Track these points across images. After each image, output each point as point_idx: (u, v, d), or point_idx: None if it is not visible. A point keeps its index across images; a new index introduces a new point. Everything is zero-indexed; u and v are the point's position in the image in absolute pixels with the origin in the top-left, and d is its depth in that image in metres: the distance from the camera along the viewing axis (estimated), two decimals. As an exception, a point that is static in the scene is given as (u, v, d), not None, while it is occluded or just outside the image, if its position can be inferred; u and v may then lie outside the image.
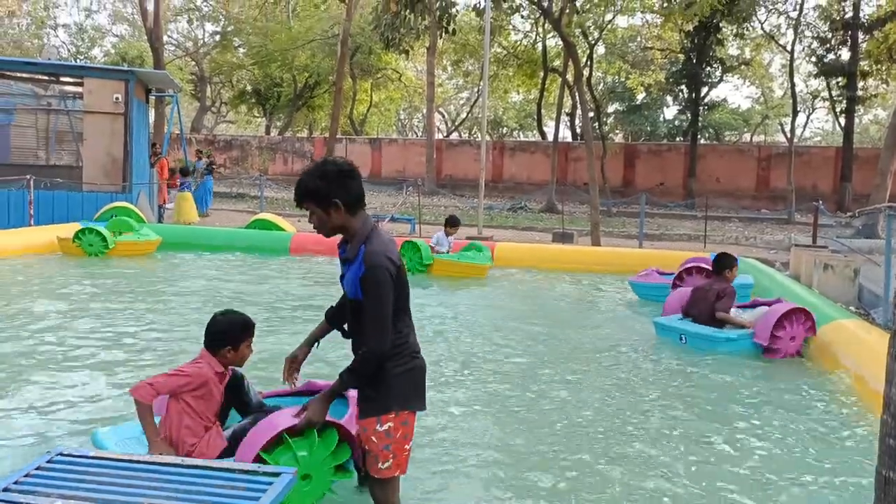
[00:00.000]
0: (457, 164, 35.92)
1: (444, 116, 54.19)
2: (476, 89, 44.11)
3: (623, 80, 39.56)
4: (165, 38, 34.58)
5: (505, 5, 25.96)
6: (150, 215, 15.88)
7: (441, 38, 30.39)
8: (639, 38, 38.07)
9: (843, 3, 28.66)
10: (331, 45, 33.93)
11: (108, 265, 11.06)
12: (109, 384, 5.30)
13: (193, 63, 42.53)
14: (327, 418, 3.28)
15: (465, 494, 3.83)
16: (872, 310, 9.14)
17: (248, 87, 44.22)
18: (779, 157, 31.52)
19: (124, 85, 15.45)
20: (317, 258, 12.44)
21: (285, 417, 3.20)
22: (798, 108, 31.46)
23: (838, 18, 28.87)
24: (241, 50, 39.25)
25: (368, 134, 46.67)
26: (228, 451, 3.39)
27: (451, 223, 11.34)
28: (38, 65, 17.04)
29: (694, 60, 31.20)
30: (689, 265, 9.59)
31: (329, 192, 2.97)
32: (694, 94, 32.31)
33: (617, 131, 44.49)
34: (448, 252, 11.32)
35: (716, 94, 39.61)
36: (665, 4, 29.96)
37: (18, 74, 17.16)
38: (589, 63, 31.15)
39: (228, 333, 3.56)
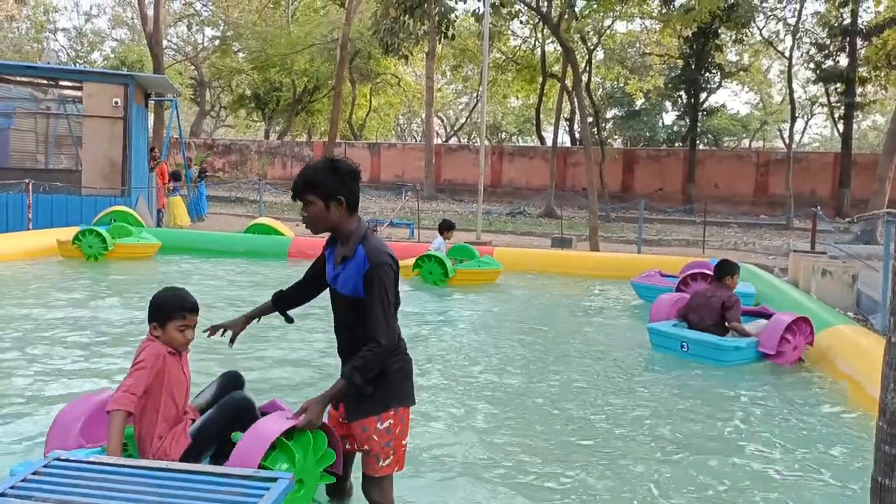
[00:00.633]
0: (456, 169, 35.96)
1: (443, 121, 54.25)
2: (475, 94, 44.18)
3: (622, 85, 39.64)
4: (165, 43, 34.63)
5: (504, 11, 26.05)
6: (150, 219, 15.87)
7: (440, 43, 30.42)
8: (638, 44, 38.16)
9: (841, 10, 28.73)
10: (330, 49, 33.99)
11: (106, 269, 11.07)
12: (105, 387, 5.29)
13: (193, 67, 42.58)
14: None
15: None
16: (871, 316, 9.14)
17: (248, 92, 44.29)
18: (777, 162, 31.56)
19: (123, 89, 15.45)
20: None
21: (281, 421, 3.17)
22: (797, 114, 31.53)
23: (836, 25, 28.94)
24: (241, 54, 39.33)
25: (367, 138, 46.73)
26: (192, 449, 3.25)
27: (447, 227, 11.29)
28: (38, 69, 17.06)
29: (693, 66, 31.26)
30: (692, 271, 9.51)
31: (336, 188, 3.03)
32: (693, 100, 32.36)
33: (616, 136, 44.55)
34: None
35: (714, 99, 39.82)
36: (664, 10, 30.05)
37: (18, 78, 17.18)
38: (588, 68, 31.22)
39: (156, 308, 3.36)
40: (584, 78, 29.11)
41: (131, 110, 15.55)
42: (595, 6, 29.13)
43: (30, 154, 17.96)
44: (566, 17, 23.17)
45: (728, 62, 35.73)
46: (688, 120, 33.62)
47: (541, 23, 27.03)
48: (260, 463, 3.03)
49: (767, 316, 7.43)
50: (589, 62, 31.44)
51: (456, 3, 17.45)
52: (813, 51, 30.43)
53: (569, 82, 25.63)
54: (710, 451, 4.60)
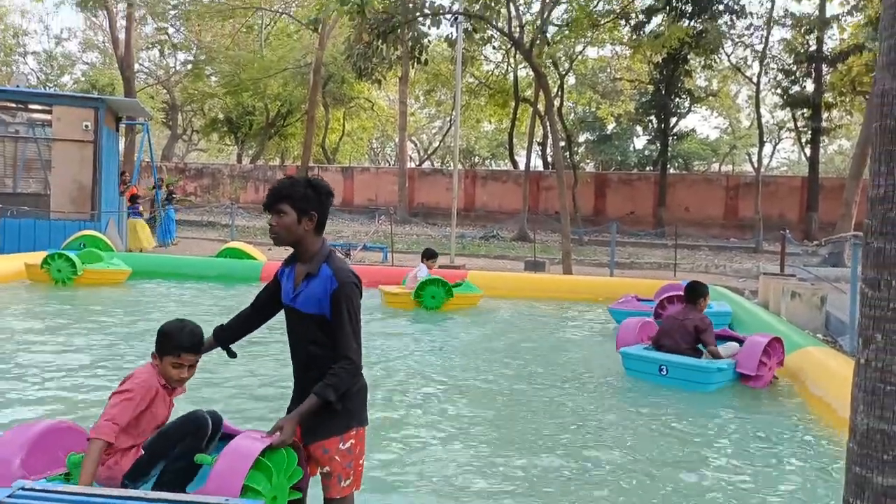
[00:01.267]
0: (429, 193, 36.04)
1: (416, 145, 54.44)
2: (448, 119, 44.46)
3: (594, 110, 40.11)
4: (137, 67, 34.52)
5: (477, 36, 26.26)
6: (120, 244, 15.69)
7: (413, 68, 30.62)
8: (609, 69, 38.68)
9: (806, 37, 29.38)
10: (303, 74, 34.05)
11: (74, 294, 10.89)
12: (68, 416, 5.18)
13: (165, 91, 42.38)
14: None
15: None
16: (839, 337, 9.26)
17: (220, 116, 44.11)
18: (746, 186, 32.03)
19: (94, 113, 15.34)
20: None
21: (256, 440, 3.09)
22: (765, 139, 32.07)
23: (803, 52, 29.58)
24: (214, 78, 39.21)
25: (341, 162, 46.71)
26: (143, 460, 3.20)
27: (430, 256, 11.26)
28: (6, 92, 16.86)
29: (663, 91, 31.71)
30: (668, 294, 9.56)
31: (311, 203, 3.07)
32: (663, 125, 32.80)
33: (588, 160, 45.00)
34: None
35: (684, 124, 40.30)
36: (634, 37, 30.54)
37: (-14, 102, 16.98)
38: (560, 93, 31.57)
39: (158, 338, 3.35)
40: (557, 103, 29.41)
41: (101, 134, 15.42)
42: (567, 32, 29.56)
43: (-3, 178, 17.73)
44: (538, 42, 23.43)
45: (697, 87, 36.31)
46: (658, 144, 34.05)
47: (513, 48, 27.31)
48: (243, 483, 2.97)
49: (733, 338, 7.49)
50: (561, 87, 31.80)
51: (429, 28, 17.55)
52: (780, 77, 31.06)
53: (541, 107, 25.88)
54: (681, 473, 4.60)
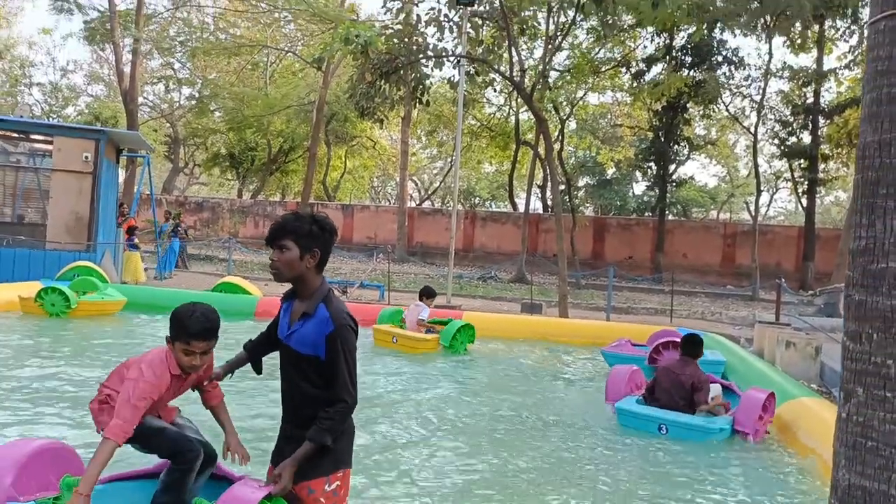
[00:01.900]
0: (428, 233, 36.11)
1: (416, 185, 54.71)
2: (449, 159, 44.76)
3: (594, 155, 40.41)
4: (141, 100, 34.83)
5: (479, 79, 26.57)
6: (115, 275, 15.66)
7: (415, 108, 30.93)
8: (609, 116, 39.09)
9: (804, 90, 29.72)
10: (306, 111, 34.36)
11: (68, 326, 10.83)
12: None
13: (168, 125, 42.72)
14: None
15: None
16: (834, 388, 9.20)
17: (223, 151, 44.41)
18: (744, 234, 32.11)
19: (94, 144, 15.41)
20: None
21: (256, 490, 3.01)
22: (762, 188, 32.22)
23: (800, 104, 29.91)
24: (217, 114, 39.57)
25: (341, 200, 46.89)
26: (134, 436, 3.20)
27: (429, 294, 11.14)
28: (9, 122, 16.97)
29: (662, 138, 31.96)
30: (663, 340, 9.52)
31: (316, 240, 3.05)
32: (662, 171, 33.00)
33: (587, 204, 45.20)
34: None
35: (683, 171, 40.65)
36: (634, 84, 30.93)
37: (-12, 131, 17.08)
38: (560, 137, 31.84)
39: (170, 322, 3.36)
40: (557, 146, 29.65)
41: (101, 165, 15.47)
42: (568, 78, 29.95)
43: (-5, 207, 17.75)
44: (539, 87, 23.72)
45: (696, 136, 36.63)
46: (657, 190, 34.22)
47: (514, 92, 27.60)
48: None
49: (724, 387, 7.45)
50: (561, 131, 32.07)
51: (432, 70, 17.77)
52: (777, 127, 31.35)
53: (542, 150, 26.06)
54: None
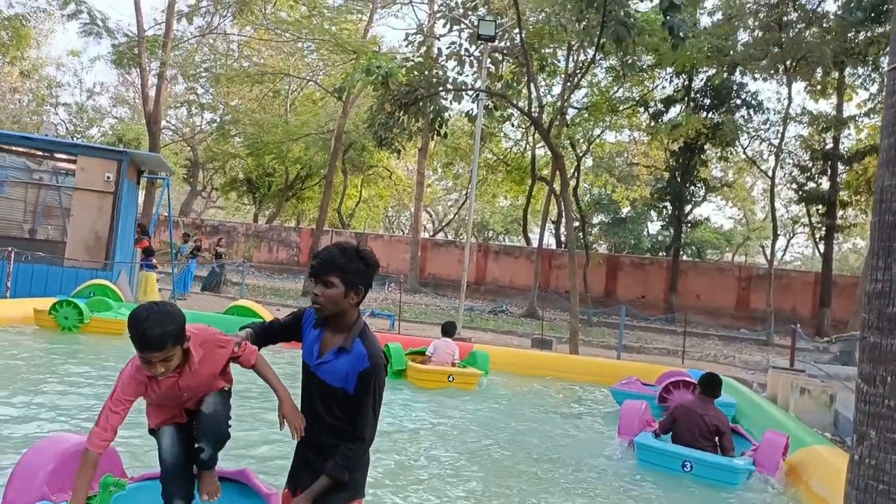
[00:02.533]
0: (441, 264, 36.14)
1: (431, 216, 54.89)
2: (464, 192, 44.90)
3: (609, 192, 40.45)
4: (164, 123, 35.27)
5: (497, 113, 26.79)
6: (129, 294, 15.75)
7: (433, 140, 31.14)
8: (626, 154, 39.16)
9: (823, 135, 29.69)
10: (325, 139, 34.66)
11: (78, 341, 10.89)
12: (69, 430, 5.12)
13: (189, 148, 43.21)
14: None
15: None
16: (848, 437, 9.07)
17: (241, 175, 44.83)
18: (759, 278, 31.92)
19: (117, 165, 15.60)
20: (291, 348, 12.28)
21: None
22: (779, 232, 32.08)
23: (819, 149, 29.82)
24: (237, 139, 40.02)
25: (355, 228, 47.09)
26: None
27: (453, 330, 11.02)
28: (34, 140, 17.23)
29: (678, 179, 31.98)
30: (673, 379, 9.47)
31: (362, 277, 3.02)
32: (677, 212, 32.98)
33: (601, 242, 45.16)
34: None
35: (699, 212, 40.55)
36: (652, 124, 31.05)
37: (14, 148, 17.32)
38: (576, 174, 31.92)
39: None
40: (573, 183, 29.73)
41: (122, 186, 15.65)
42: (586, 115, 30.11)
43: (16, 223, 17.93)
44: (557, 123, 23.87)
45: (713, 177, 36.62)
46: (672, 230, 34.17)
47: (532, 127, 27.78)
48: None
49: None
50: (577, 168, 32.16)
51: (450, 102, 17.91)
52: (795, 172, 31.22)
53: (557, 186, 26.14)
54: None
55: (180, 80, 37.21)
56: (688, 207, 34.09)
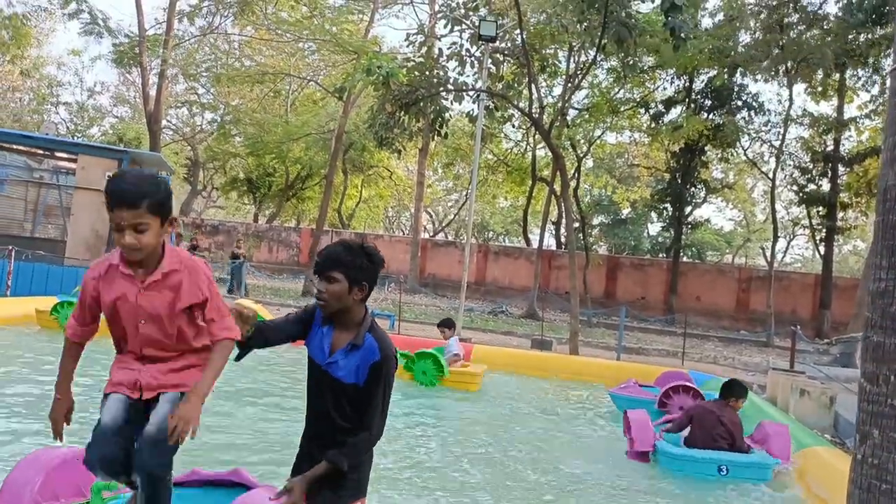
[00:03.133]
0: (440, 265, 36.13)
1: (431, 216, 54.89)
2: (465, 192, 44.91)
3: (609, 193, 40.48)
4: (164, 123, 35.27)
5: (497, 114, 26.78)
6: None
7: (434, 140, 31.14)
8: (626, 155, 39.19)
9: (824, 137, 29.69)
10: (325, 139, 34.66)
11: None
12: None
13: (189, 148, 43.22)
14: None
15: None
16: (848, 439, 9.06)
17: (241, 175, 44.83)
18: (759, 279, 31.92)
19: (117, 164, 15.60)
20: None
21: (265, 500, 2.96)
22: (779, 234, 32.07)
23: (820, 151, 29.82)
24: (238, 139, 40.04)
25: (355, 228, 47.10)
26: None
27: (451, 325, 10.94)
28: (35, 139, 17.24)
29: (679, 180, 31.97)
30: (673, 384, 9.42)
31: (366, 273, 3.02)
32: (678, 213, 32.97)
33: (601, 243, 45.17)
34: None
35: (699, 213, 40.53)
36: (653, 125, 31.05)
37: (15, 147, 17.33)
38: (577, 175, 31.92)
39: None
40: (573, 184, 29.72)
41: (122, 185, 15.62)
42: (586, 116, 30.12)
43: (17, 221, 17.94)
44: (557, 124, 23.87)
45: (713, 179, 36.62)
46: (672, 232, 34.16)
47: (533, 128, 27.78)
48: None
49: None
50: (578, 169, 32.15)
51: (451, 103, 17.92)
52: (796, 174, 31.22)
53: (557, 187, 26.14)
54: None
55: (181, 79, 37.22)
56: (688, 209, 34.09)
